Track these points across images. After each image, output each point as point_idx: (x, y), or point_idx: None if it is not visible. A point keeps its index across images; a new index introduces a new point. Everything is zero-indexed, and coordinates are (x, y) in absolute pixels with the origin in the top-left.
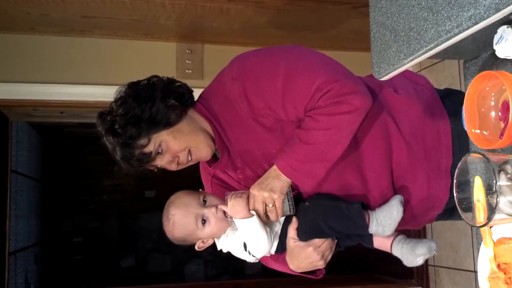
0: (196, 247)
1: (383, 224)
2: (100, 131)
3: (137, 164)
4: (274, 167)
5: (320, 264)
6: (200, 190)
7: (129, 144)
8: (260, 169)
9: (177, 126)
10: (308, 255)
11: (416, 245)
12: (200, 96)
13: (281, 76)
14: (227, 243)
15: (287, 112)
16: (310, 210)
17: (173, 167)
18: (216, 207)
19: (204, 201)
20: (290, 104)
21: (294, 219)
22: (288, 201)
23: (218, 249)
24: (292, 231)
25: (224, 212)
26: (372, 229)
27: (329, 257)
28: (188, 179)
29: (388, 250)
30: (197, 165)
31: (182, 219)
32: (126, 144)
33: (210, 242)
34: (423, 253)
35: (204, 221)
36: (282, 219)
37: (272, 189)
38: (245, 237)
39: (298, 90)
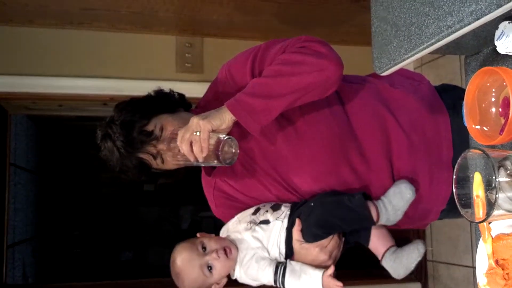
0: None
1: (396, 208)
2: (98, 136)
3: (140, 146)
4: None
5: (329, 264)
6: (198, 235)
7: (128, 124)
8: (260, 170)
9: (176, 114)
10: (315, 256)
11: (402, 257)
12: (196, 106)
13: (261, 48)
14: (244, 276)
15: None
16: (316, 209)
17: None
18: (217, 251)
19: (204, 248)
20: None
21: (298, 221)
22: (228, 137)
23: (233, 278)
24: (296, 233)
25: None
26: (383, 217)
27: (338, 256)
28: (187, 173)
29: (379, 256)
30: (197, 173)
31: (189, 276)
32: (125, 124)
33: (224, 281)
34: (414, 260)
35: (210, 268)
36: (285, 223)
37: (207, 117)
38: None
39: (271, 52)
